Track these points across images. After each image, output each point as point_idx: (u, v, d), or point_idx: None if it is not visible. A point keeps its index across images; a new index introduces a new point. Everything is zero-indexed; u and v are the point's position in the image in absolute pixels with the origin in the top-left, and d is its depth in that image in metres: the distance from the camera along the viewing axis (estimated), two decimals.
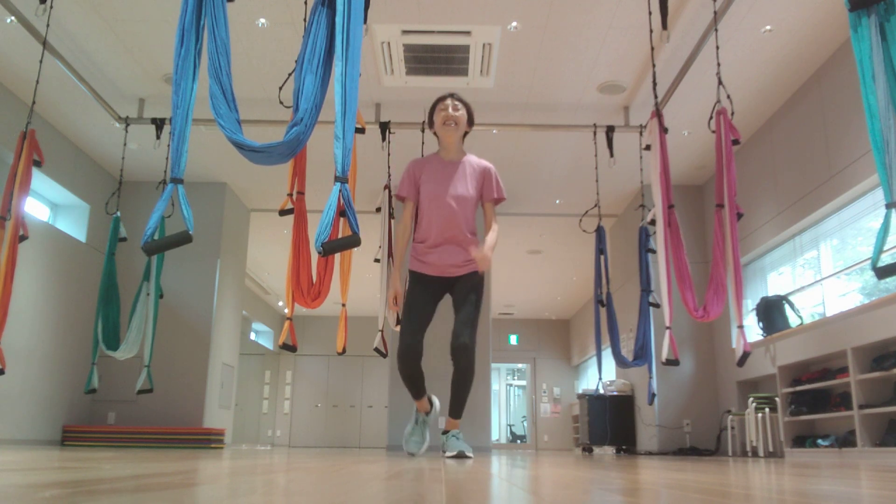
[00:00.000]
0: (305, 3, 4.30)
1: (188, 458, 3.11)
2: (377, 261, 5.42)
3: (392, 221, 5.53)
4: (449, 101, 3.71)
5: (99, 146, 7.33)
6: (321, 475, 1.70)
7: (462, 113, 3.71)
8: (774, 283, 6.94)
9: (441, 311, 3.80)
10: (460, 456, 3.53)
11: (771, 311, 6.38)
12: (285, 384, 15.64)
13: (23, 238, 4.65)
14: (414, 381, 3.68)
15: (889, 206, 2.80)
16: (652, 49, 4.64)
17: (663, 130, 4.38)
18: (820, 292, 6.13)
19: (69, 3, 5.07)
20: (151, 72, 6.01)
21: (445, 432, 3.72)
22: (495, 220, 3.77)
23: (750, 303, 7.08)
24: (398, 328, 5.06)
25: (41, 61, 4.84)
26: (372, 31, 5.41)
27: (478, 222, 3.80)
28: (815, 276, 6.22)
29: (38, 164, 4.75)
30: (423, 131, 6.03)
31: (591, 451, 8.95)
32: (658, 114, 4.41)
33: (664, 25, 4.32)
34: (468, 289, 3.68)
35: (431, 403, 3.91)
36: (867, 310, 5.04)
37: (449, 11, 5.18)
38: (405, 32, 5.42)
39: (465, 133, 3.82)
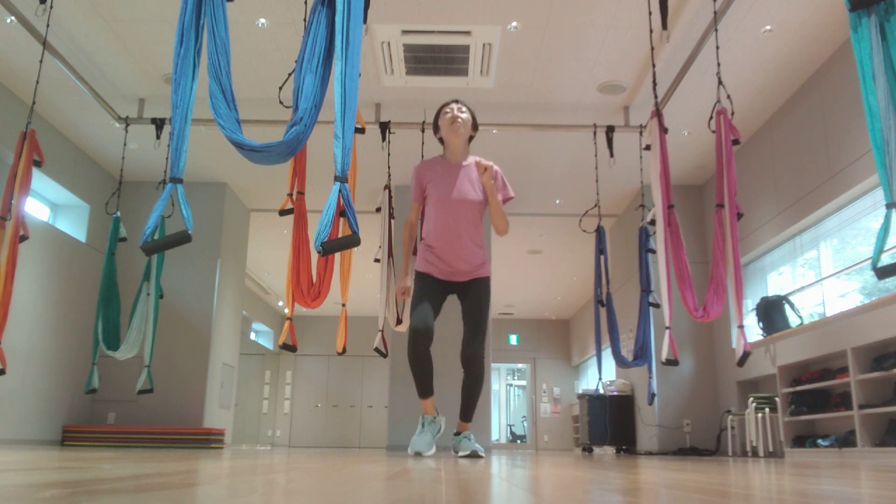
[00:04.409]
0: (305, 3, 4.30)
1: (188, 458, 3.11)
2: (377, 261, 5.42)
3: (392, 221, 5.53)
4: (454, 105, 3.78)
5: (99, 146, 7.33)
6: (321, 475, 1.70)
7: (467, 116, 3.77)
8: (774, 283, 6.94)
9: (443, 312, 3.80)
10: (473, 455, 3.56)
11: (771, 311, 6.38)
12: (285, 384, 15.64)
13: (23, 238, 4.65)
14: (422, 369, 3.67)
15: (889, 207, 2.80)
16: (652, 49, 4.64)
17: (663, 130, 4.38)
18: (820, 292, 6.13)
19: (69, 3, 5.06)
20: (151, 72, 6.01)
21: (457, 434, 3.77)
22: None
23: (750, 303, 7.08)
24: (398, 328, 5.07)
25: (41, 61, 4.84)
26: (372, 31, 5.41)
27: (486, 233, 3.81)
28: (815, 276, 6.22)
29: (38, 164, 4.74)
30: (422, 131, 6.02)
31: (591, 451, 8.95)
32: (658, 114, 4.41)
33: (664, 25, 4.32)
34: (477, 297, 3.74)
35: (438, 414, 3.87)
36: (867, 310, 5.04)
37: (449, 11, 5.18)
38: (405, 32, 5.42)
39: (471, 137, 3.87)
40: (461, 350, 3.71)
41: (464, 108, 3.78)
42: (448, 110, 3.77)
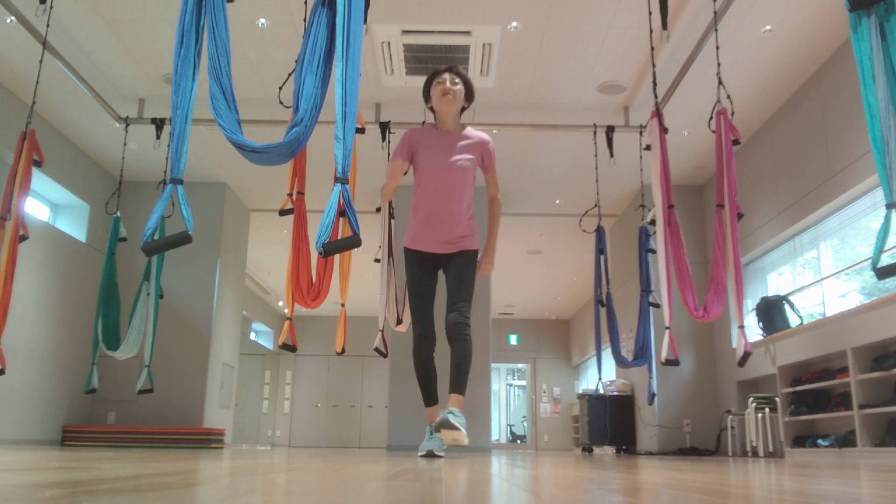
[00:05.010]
0: (305, 3, 4.30)
1: (188, 458, 3.11)
2: (377, 261, 5.41)
3: (392, 221, 5.52)
4: (447, 76, 3.62)
5: (99, 146, 7.33)
6: (321, 475, 1.70)
7: (460, 87, 3.63)
8: (774, 283, 6.94)
9: (438, 307, 3.79)
10: (455, 441, 3.31)
11: (771, 311, 6.38)
12: (285, 384, 15.64)
13: (23, 238, 4.65)
14: (427, 376, 3.67)
15: (889, 207, 2.80)
16: (652, 49, 4.64)
17: (663, 130, 4.38)
18: (820, 292, 6.13)
19: (69, 3, 5.07)
20: (151, 72, 6.01)
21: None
22: (497, 194, 3.78)
23: (750, 303, 7.08)
24: (398, 328, 5.07)
25: (41, 61, 4.84)
26: (372, 31, 5.41)
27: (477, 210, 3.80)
28: (815, 276, 6.22)
29: (38, 164, 4.75)
30: None
31: (591, 451, 8.96)
32: (658, 114, 4.41)
33: (664, 25, 4.32)
34: (462, 264, 3.65)
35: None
36: (867, 310, 5.04)
37: (449, 11, 5.18)
38: (405, 32, 5.42)
39: (464, 108, 3.75)
40: (446, 317, 3.53)
41: (457, 80, 3.62)
42: (441, 80, 3.61)
